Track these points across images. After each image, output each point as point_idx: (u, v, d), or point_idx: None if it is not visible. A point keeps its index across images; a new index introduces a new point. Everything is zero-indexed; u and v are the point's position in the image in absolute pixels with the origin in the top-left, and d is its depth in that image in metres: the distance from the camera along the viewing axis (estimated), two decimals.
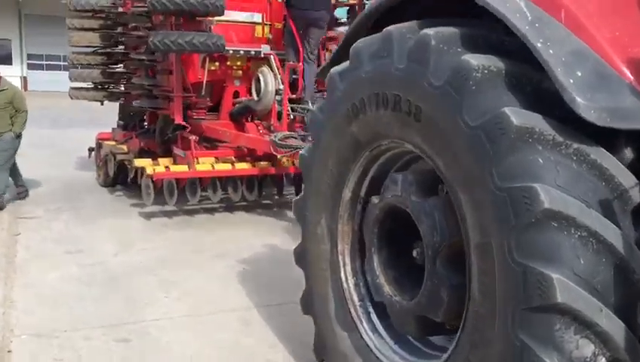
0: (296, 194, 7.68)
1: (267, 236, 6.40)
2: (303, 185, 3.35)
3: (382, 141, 2.71)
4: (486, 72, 2.08)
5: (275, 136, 6.31)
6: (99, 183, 8.96)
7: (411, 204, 2.53)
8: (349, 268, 3.06)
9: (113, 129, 8.69)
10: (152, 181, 6.56)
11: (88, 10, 8.31)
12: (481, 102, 2.06)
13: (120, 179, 8.62)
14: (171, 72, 6.73)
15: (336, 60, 3.15)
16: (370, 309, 2.98)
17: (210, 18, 6.39)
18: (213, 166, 6.78)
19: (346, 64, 2.88)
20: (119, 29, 8.53)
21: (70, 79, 8.63)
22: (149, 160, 7.08)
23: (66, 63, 8.96)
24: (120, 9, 8.28)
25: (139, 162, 6.98)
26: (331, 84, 2.95)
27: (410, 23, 2.53)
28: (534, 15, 2.11)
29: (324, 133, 3.03)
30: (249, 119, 7.34)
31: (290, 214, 7.36)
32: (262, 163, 7.04)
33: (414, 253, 2.58)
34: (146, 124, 8.61)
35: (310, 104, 7.11)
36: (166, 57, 6.81)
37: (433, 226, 2.42)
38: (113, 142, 8.36)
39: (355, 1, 7.15)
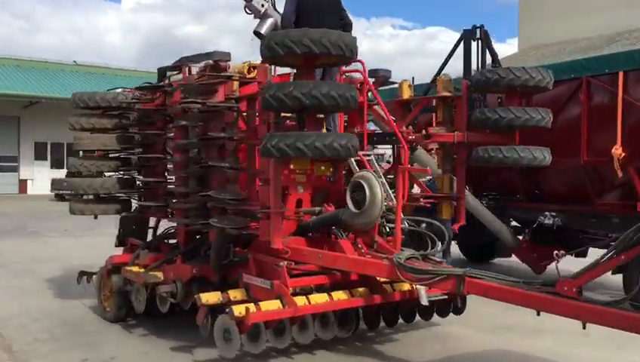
0: (389, 325, 6.40)
1: None
2: None
3: None
4: None
5: (399, 258, 4.99)
6: (105, 317, 7.17)
7: None
8: None
9: (138, 251, 6.95)
10: (238, 324, 4.99)
11: (103, 107, 6.82)
12: None
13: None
14: (259, 181, 5.31)
15: None
16: None
17: None
18: (308, 298, 5.31)
19: None
20: (135, 129, 7.10)
21: (75, 191, 6.96)
22: (218, 293, 5.49)
23: None
24: (139, 105, 6.87)
25: (207, 297, 5.37)
26: None
27: None
28: None
29: None
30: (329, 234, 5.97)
31: (389, 352, 5.97)
32: (359, 290, 5.65)
33: None
34: (175, 241, 6.97)
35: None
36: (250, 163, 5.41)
37: None
38: (137, 268, 6.66)
39: (448, 94, 6.09)
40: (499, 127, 5.63)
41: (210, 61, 5.92)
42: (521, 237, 9.33)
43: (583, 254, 9.31)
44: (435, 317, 6.35)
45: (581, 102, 7.92)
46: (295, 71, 6.08)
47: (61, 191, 30.84)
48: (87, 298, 8.04)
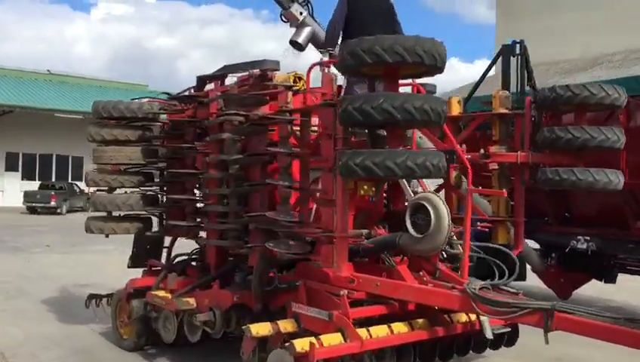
0: (443, 360, 5.91)
1: None
2: None
3: None
4: None
5: (473, 287, 4.58)
6: (122, 346, 6.60)
7: None
8: None
9: (164, 273, 6.39)
10: (297, 361, 4.49)
11: (128, 117, 6.32)
12: None
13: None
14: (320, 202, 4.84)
15: None
16: None
17: None
18: (369, 331, 4.84)
19: None
20: (158, 141, 6.63)
21: (95, 207, 6.39)
22: (268, 324, 4.98)
23: None
24: (164, 117, 6.39)
25: (257, 329, 4.86)
26: None
27: None
28: None
29: None
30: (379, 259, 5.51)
31: None
32: (419, 321, 5.20)
33: None
34: (198, 262, 6.45)
35: None
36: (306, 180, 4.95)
37: None
38: (164, 292, 6.12)
39: (506, 111, 5.71)
40: (571, 148, 5.27)
41: (255, 70, 5.47)
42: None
43: (612, 281, 9.05)
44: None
45: (620, 123, 7.62)
46: (346, 82, 5.71)
47: (34, 204, 29.93)
48: (95, 323, 7.47)
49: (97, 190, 6.68)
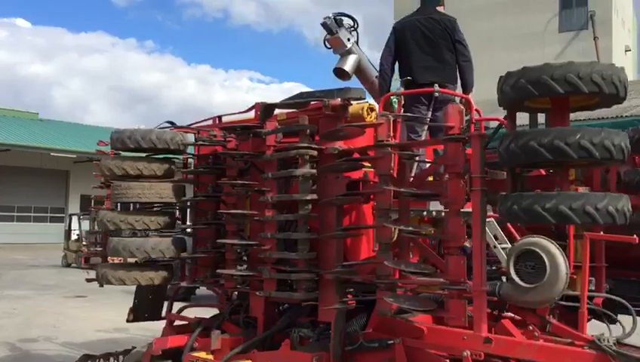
0: None
1: None
2: None
3: None
4: None
5: (610, 345, 4.16)
6: None
7: None
8: None
9: (198, 330, 5.46)
10: None
11: (159, 149, 5.49)
12: None
13: None
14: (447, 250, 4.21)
15: None
16: None
17: None
18: None
19: None
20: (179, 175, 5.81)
21: (118, 254, 5.40)
22: None
23: None
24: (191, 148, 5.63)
25: None
26: None
27: None
28: None
29: None
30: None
31: None
32: None
33: None
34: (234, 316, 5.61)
35: None
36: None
37: None
38: (206, 354, 5.21)
39: None
40: None
41: (335, 100, 4.83)
42: None
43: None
44: None
45: None
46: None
47: None
48: None
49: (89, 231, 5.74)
